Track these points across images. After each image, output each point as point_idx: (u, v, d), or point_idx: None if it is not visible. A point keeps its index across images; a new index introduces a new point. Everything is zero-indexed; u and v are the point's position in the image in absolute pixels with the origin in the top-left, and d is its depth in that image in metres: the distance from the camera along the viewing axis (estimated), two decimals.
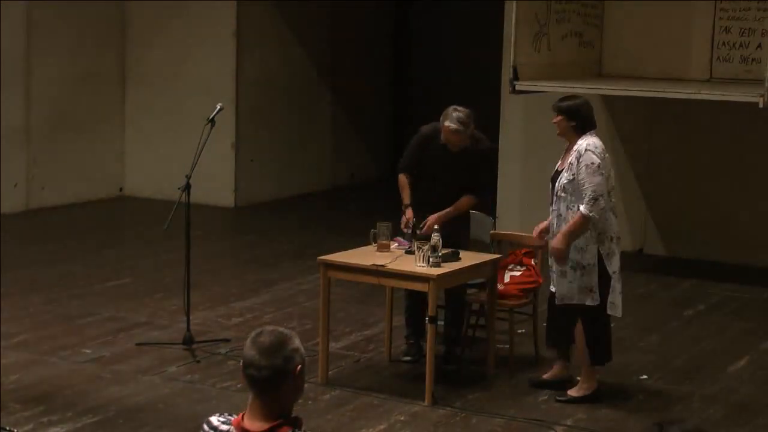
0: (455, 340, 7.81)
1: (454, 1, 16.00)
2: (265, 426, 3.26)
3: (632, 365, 7.92)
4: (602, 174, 6.81)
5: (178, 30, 13.83)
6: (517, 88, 10.32)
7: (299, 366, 3.32)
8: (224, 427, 3.38)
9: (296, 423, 3.30)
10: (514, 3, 10.34)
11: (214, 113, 8.08)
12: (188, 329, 7.98)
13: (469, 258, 7.35)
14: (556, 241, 6.91)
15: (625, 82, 10.98)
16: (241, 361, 3.36)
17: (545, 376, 7.34)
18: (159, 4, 13.87)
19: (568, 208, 6.92)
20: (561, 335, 7.21)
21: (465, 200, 7.74)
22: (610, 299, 6.94)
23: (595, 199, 6.76)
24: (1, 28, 12.48)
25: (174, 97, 13.85)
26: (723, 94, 9.91)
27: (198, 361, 7.72)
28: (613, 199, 7.01)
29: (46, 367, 7.59)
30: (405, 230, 7.62)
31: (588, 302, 6.93)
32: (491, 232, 8.11)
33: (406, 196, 7.81)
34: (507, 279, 7.69)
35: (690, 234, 11.42)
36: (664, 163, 11.52)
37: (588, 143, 6.90)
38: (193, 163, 7.94)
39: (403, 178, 7.88)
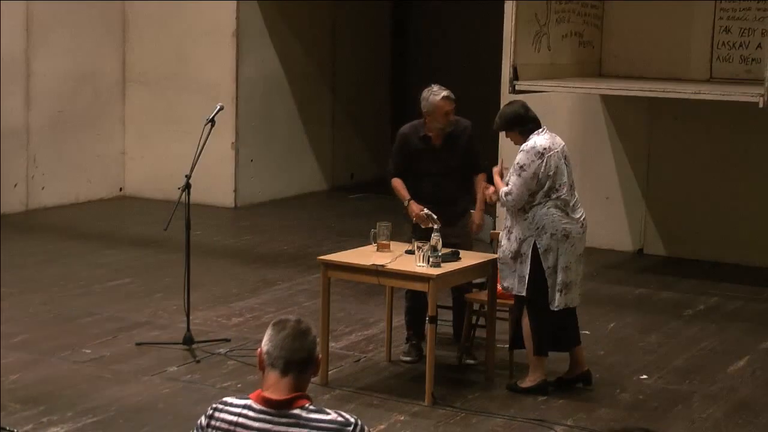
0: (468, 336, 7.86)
1: (454, 1, 16.00)
2: (287, 396, 3.41)
3: (632, 365, 7.92)
4: (519, 174, 7.02)
5: (178, 30, 13.83)
6: (517, 87, 10.32)
7: (319, 351, 3.53)
8: (240, 401, 3.47)
9: (309, 399, 3.48)
10: (514, 3, 10.34)
11: (214, 113, 8.08)
12: (188, 329, 7.98)
13: (469, 258, 7.35)
14: (516, 245, 7.15)
15: (625, 81, 10.98)
16: (266, 348, 3.47)
17: (564, 376, 7.37)
18: (159, 4, 13.87)
19: None
20: (554, 336, 7.27)
21: (480, 183, 7.77)
22: (551, 295, 7.05)
23: (507, 194, 7.07)
24: (1, 28, 12.49)
25: (174, 97, 13.85)
26: (723, 94, 9.91)
27: (198, 361, 7.72)
28: (565, 196, 7.07)
29: (46, 367, 7.59)
30: (423, 224, 7.57)
31: (522, 292, 7.08)
32: (491, 231, 8.12)
33: (405, 193, 7.78)
34: None
35: (690, 234, 11.42)
36: (664, 163, 11.52)
37: (527, 143, 7.12)
38: (193, 163, 7.94)
39: (396, 181, 7.86)
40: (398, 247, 7.42)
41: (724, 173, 11.25)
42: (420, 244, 7.07)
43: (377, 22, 16.15)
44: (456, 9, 16.00)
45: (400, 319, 8.10)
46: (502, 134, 7.79)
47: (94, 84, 13.80)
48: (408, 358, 7.83)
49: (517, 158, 7.08)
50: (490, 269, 7.40)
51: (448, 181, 7.76)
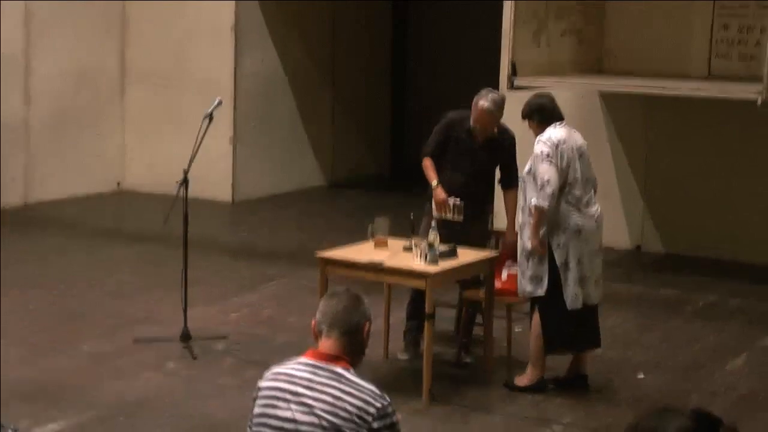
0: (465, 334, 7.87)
1: (453, 1, 15.98)
2: (333, 353, 3.69)
3: (631, 362, 7.93)
4: (550, 162, 6.96)
5: (177, 27, 13.82)
6: (516, 84, 10.31)
7: (368, 323, 3.80)
8: (293, 359, 3.73)
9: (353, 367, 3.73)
10: (513, 1, 10.32)
11: (212, 107, 8.05)
12: (186, 325, 7.98)
13: (466, 255, 7.34)
14: (529, 244, 7.06)
15: (623, 78, 10.97)
16: (317, 317, 3.75)
17: (561, 375, 7.37)
18: (158, 2, 13.86)
19: (525, 197, 7.12)
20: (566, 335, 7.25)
21: (513, 200, 7.72)
22: (566, 292, 7.02)
23: (541, 187, 6.96)
24: (1, 26, 12.48)
25: (173, 93, 13.85)
26: (722, 92, 9.91)
27: (195, 357, 7.72)
28: (577, 192, 7.06)
29: (45, 363, 7.59)
30: (446, 215, 7.55)
31: (538, 292, 7.05)
32: (489, 229, 8.11)
33: (434, 176, 7.68)
34: (505, 277, 7.69)
35: (688, 231, 11.42)
36: (663, 160, 11.52)
37: (542, 135, 7.09)
38: (191, 159, 7.93)
39: (428, 161, 7.76)
40: (396, 244, 7.42)
41: (723, 170, 11.25)
42: (417, 241, 7.07)
43: (377, 21, 16.14)
44: (456, 8, 15.99)
45: (397, 316, 8.09)
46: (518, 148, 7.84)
47: (94, 81, 13.79)
48: (405, 356, 7.82)
49: (537, 149, 7.01)
50: (487, 267, 7.40)
51: (478, 180, 7.70)
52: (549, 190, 6.93)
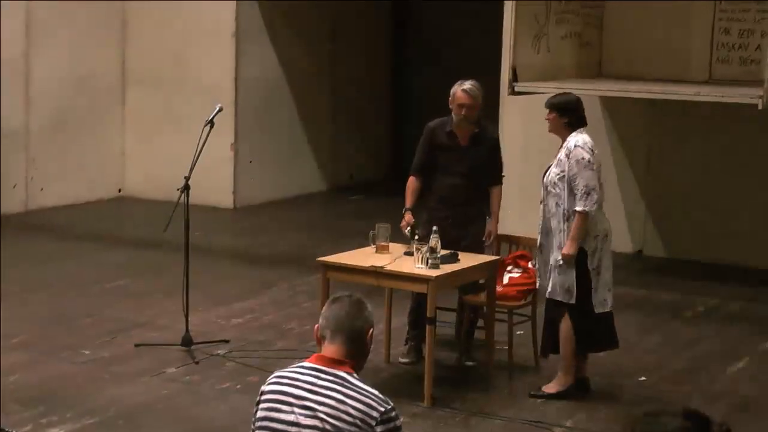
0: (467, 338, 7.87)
1: (454, 1, 16.00)
2: (336, 357, 3.69)
3: (632, 366, 7.92)
4: (593, 169, 6.95)
5: (177, 30, 13.83)
6: (517, 89, 10.31)
7: (371, 329, 3.79)
8: (297, 363, 3.74)
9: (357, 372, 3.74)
10: (513, 3, 10.32)
11: (213, 114, 8.08)
12: (187, 330, 7.98)
13: (467, 259, 7.34)
14: (565, 249, 6.97)
15: (624, 83, 10.97)
16: (320, 321, 3.75)
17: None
18: (158, 4, 13.87)
19: (557, 204, 7.03)
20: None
21: (497, 195, 7.81)
22: (596, 297, 6.99)
23: (587, 194, 6.91)
24: (1, 28, 12.48)
25: (173, 98, 13.85)
26: (722, 96, 9.91)
27: (197, 362, 7.72)
28: (603, 197, 7.08)
29: (46, 368, 7.59)
30: (406, 232, 7.59)
31: (566, 300, 7.01)
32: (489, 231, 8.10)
33: (408, 200, 7.77)
34: (506, 280, 7.68)
35: (689, 235, 11.41)
36: (664, 164, 11.52)
37: (577, 140, 7.05)
38: (192, 165, 7.93)
39: (411, 182, 7.85)
40: (397, 249, 7.42)
41: (724, 174, 11.25)
42: (419, 246, 7.07)
43: (377, 22, 16.15)
44: (456, 9, 16.00)
45: (398, 321, 8.09)
46: (502, 143, 7.78)
47: (94, 85, 13.79)
48: (406, 360, 7.83)
49: (579, 155, 6.96)
50: (488, 271, 7.40)
51: (467, 182, 7.71)
52: (596, 196, 6.92)
